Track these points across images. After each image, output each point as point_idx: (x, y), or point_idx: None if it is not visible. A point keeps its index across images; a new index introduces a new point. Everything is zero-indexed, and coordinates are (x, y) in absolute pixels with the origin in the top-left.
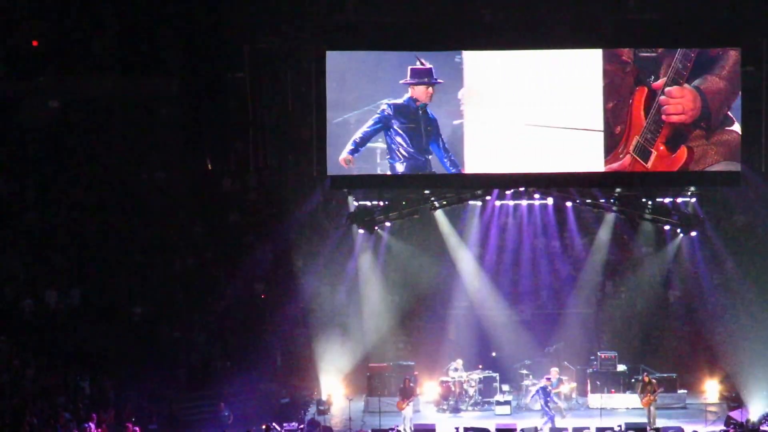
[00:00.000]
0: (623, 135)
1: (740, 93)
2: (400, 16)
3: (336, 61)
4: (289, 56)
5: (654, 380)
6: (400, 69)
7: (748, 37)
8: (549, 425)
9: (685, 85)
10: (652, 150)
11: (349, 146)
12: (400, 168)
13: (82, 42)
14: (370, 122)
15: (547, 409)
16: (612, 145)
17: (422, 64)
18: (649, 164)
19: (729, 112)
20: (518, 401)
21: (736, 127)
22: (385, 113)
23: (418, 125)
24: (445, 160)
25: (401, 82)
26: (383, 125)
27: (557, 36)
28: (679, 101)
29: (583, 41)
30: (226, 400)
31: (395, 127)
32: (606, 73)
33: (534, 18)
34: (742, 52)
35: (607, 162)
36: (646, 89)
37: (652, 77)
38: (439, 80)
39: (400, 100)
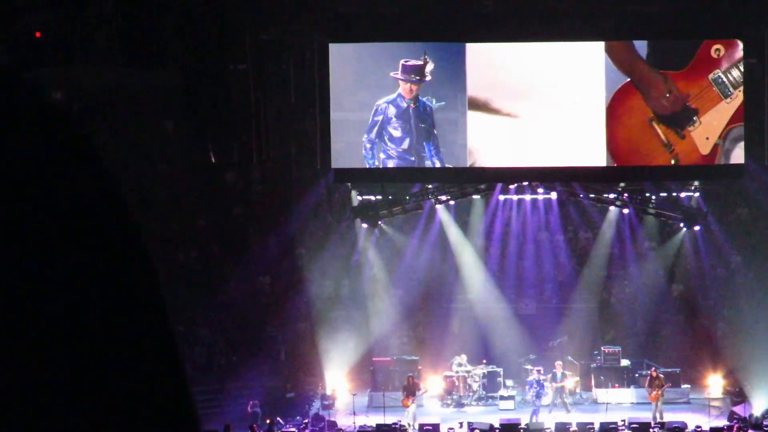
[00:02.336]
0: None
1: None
2: (403, 8)
3: (339, 53)
4: (292, 48)
5: (662, 375)
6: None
7: (750, 29)
8: (535, 417)
9: None
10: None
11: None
12: (390, 165)
13: (85, 33)
14: (370, 123)
15: (536, 401)
16: None
17: (425, 59)
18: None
19: None
20: (522, 396)
21: None
22: (380, 112)
23: (408, 124)
24: (434, 159)
25: (392, 74)
26: (380, 125)
27: (560, 28)
28: None
29: (586, 33)
30: (229, 393)
31: (388, 128)
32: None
33: (537, 10)
34: (744, 44)
35: None
36: None
37: None
38: (426, 78)
39: (393, 96)
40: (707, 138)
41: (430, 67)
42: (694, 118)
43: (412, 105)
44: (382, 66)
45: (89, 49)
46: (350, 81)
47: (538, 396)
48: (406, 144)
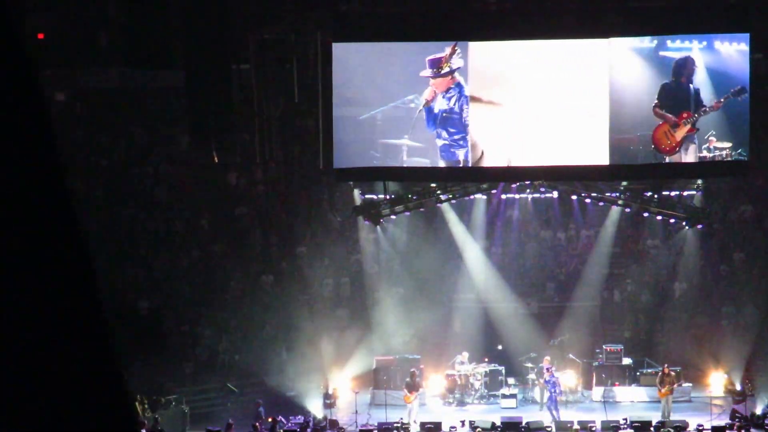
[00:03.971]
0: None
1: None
2: (406, 7)
3: (343, 52)
4: (294, 47)
5: (673, 373)
6: (410, 60)
7: (757, 23)
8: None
9: None
10: None
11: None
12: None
13: (88, 34)
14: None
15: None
16: None
17: (453, 48)
18: None
19: None
20: (524, 394)
21: None
22: (428, 116)
23: (451, 118)
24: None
25: (422, 74)
26: (434, 121)
27: (564, 25)
28: None
29: (590, 30)
30: (231, 392)
31: (440, 130)
32: None
33: (540, 7)
34: (750, 39)
35: None
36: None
37: None
38: (454, 66)
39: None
40: (675, 140)
41: (456, 56)
42: (674, 132)
43: (445, 98)
44: (384, 65)
45: (92, 50)
46: (353, 80)
47: (552, 397)
48: (457, 135)
